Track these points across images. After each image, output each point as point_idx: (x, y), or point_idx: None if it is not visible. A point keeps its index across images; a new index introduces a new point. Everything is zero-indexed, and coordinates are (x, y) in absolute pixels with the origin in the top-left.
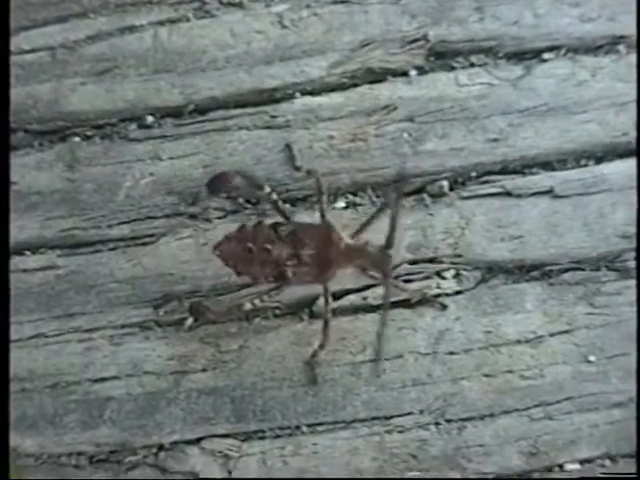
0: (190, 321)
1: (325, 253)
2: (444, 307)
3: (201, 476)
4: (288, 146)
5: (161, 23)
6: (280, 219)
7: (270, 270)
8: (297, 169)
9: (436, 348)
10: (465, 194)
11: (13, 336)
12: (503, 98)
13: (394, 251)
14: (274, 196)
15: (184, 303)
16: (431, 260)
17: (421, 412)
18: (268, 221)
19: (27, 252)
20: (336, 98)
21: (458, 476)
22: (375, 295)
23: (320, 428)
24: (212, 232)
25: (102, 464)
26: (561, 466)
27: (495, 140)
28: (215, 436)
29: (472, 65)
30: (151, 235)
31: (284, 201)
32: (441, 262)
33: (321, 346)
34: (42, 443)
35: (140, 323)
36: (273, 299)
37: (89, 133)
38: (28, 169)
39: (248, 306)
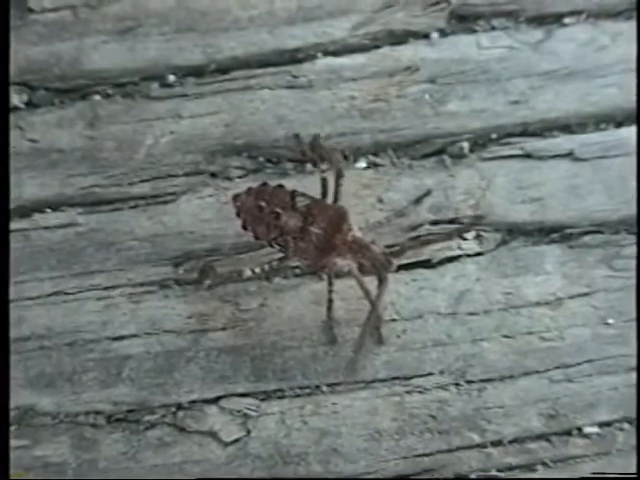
0: (209, 280)
1: (330, 238)
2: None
3: (220, 435)
4: (297, 136)
5: None
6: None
7: (274, 235)
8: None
9: (456, 309)
10: (486, 155)
11: (32, 293)
12: (524, 61)
13: (414, 212)
14: (325, 175)
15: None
16: (452, 221)
17: (441, 373)
18: (289, 187)
19: (48, 209)
20: (358, 59)
21: (477, 437)
22: None
23: (340, 388)
24: (233, 191)
25: (120, 423)
26: (580, 429)
27: (516, 102)
28: (234, 395)
29: (493, 28)
30: (172, 193)
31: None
32: (462, 223)
33: (325, 322)
34: (59, 402)
35: (160, 281)
36: (275, 268)
37: (110, 92)
38: (49, 127)
39: (248, 273)
